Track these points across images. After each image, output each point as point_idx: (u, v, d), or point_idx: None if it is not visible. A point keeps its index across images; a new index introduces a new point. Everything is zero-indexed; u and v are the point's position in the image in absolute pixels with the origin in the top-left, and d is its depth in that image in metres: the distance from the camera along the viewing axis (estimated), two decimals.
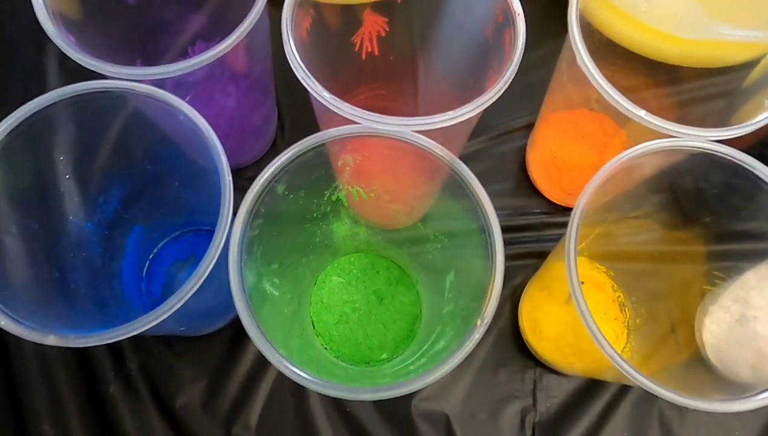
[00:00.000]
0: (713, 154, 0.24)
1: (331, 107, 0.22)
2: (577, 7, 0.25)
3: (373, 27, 0.30)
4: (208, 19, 0.34)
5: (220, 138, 0.22)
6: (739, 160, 0.23)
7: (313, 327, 0.33)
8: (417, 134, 0.22)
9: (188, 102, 0.24)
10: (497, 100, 0.37)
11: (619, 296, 0.35)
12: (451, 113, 0.22)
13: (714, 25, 0.34)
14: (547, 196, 0.38)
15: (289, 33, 0.22)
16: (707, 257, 0.37)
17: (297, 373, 0.19)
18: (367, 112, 0.22)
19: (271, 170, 0.22)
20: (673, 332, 0.34)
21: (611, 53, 0.36)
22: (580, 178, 0.38)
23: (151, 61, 0.34)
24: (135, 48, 0.32)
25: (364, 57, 0.31)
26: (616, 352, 0.21)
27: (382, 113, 0.37)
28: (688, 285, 0.33)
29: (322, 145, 0.23)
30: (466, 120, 0.22)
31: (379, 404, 0.32)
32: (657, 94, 0.37)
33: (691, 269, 0.34)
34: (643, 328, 0.34)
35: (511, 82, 0.23)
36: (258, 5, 0.25)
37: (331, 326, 0.33)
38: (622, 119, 0.38)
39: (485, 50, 0.27)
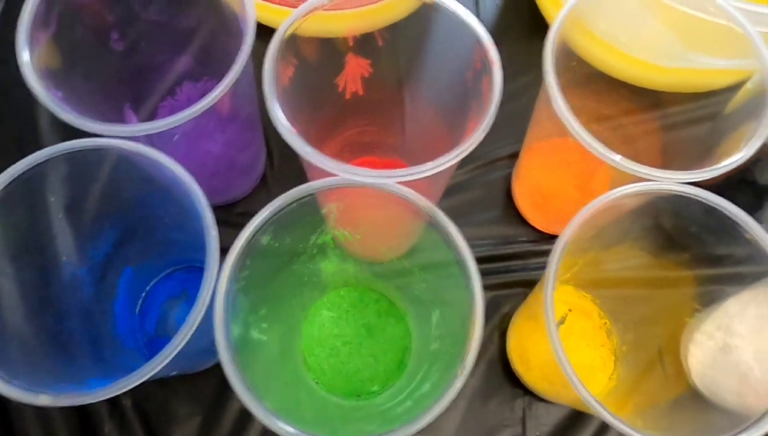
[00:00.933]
0: (687, 197, 0.24)
1: (316, 163, 0.22)
2: (552, 54, 0.26)
3: (356, 69, 0.30)
4: (194, 60, 0.35)
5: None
6: (712, 203, 0.24)
7: (305, 361, 0.34)
8: (398, 185, 0.23)
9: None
10: None
11: (606, 323, 0.36)
12: (430, 164, 0.23)
13: (693, 54, 0.34)
14: (533, 224, 0.39)
15: (273, 93, 0.23)
16: (693, 283, 0.38)
17: (282, 427, 0.19)
18: (350, 167, 0.22)
19: (254, 225, 0.22)
20: (661, 358, 0.34)
21: (595, 82, 0.36)
22: (565, 206, 0.39)
23: (140, 102, 0.35)
24: (123, 91, 0.33)
25: (348, 96, 0.32)
26: (590, 395, 0.22)
27: (370, 148, 0.38)
28: (674, 311, 0.34)
29: (306, 196, 0.23)
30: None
31: None
32: (642, 119, 0.38)
33: (678, 295, 0.34)
34: (630, 354, 0.35)
35: (498, 110, 0.24)
36: (241, 57, 0.26)
37: (322, 360, 0.34)
38: (611, 145, 0.39)
39: (466, 92, 0.28)
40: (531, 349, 0.35)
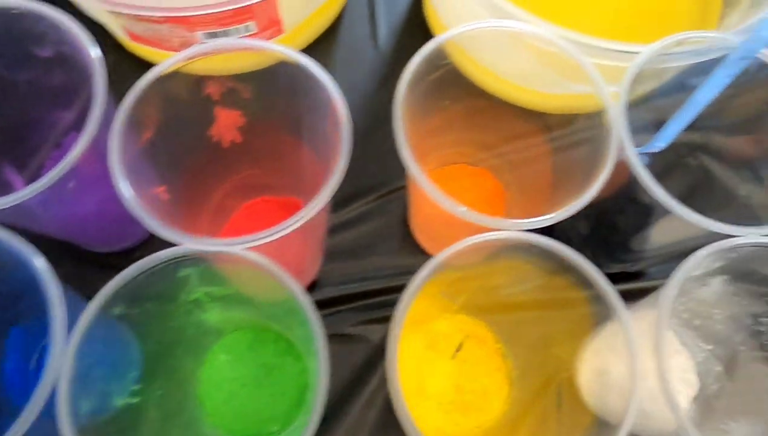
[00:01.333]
0: (528, 243, 0.25)
1: (158, 234, 0.23)
2: (403, 99, 0.26)
3: (227, 120, 0.31)
4: (77, 112, 0.35)
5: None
6: (547, 248, 0.25)
7: (203, 408, 0.34)
8: (247, 251, 0.23)
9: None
10: (383, 157, 0.38)
11: (500, 348, 0.37)
12: (274, 228, 0.23)
13: (568, 82, 0.35)
14: (432, 254, 0.39)
15: (119, 164, 0.23)
16: (587, 302, 0.39)
17: None
18: (191, 237, 0.23)
19: (97, 303, 0.22)
20: (553, 381, 0.35)
21: (481, 111, 0.37)
22: (461, 235, 0.39)
23: (22, 158, 0.34)
24: (3, 150, 0.33)
25: (227, 145, 0.32)
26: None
27: (265, 188, 0.38)
28: (571, 332, 0.35)
29: (157, 265, 0.23)
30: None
31: None
32: (530, 143, 0.38)
33: (574, 315, 0.35)
34: (523, 378, 0.36)
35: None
36: (94, 117, 0.26)
37: (220, 404, 0.34)
38: (499, 173, 0.40)
39: (327, 141, 0.28)
40: (428, 378, 0.36)
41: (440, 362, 0.36)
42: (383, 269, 0.39)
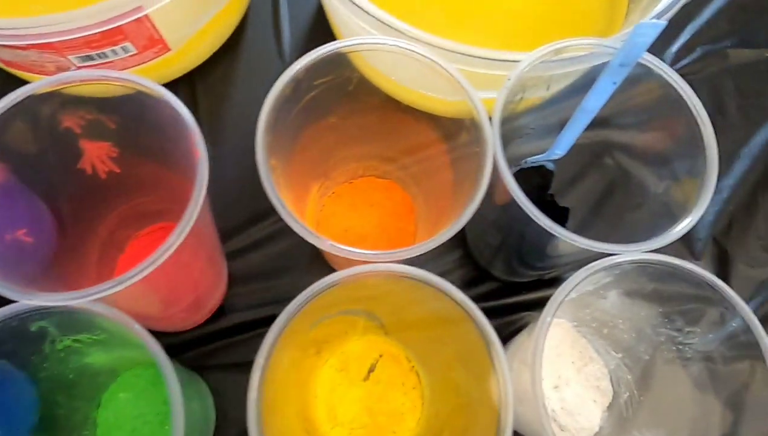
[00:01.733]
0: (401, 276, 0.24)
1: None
2: (268, 124, 0.25)
3: (97, 152, 0.29)
4: None
5: None
6: (425, 280, 0.24)
7: None
8: (93, 303, 0.22)
9: None
10: None
11: (414, 366, 0.36)
12: (95, 288, 0.21)
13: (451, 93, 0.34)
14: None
15: None
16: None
17: None
18: (37, 294, 0.21)
19: None
20: (466, 396, 0.34)
21: (380, 123, 0.35)
22: (373, 249, 0.38)
23: None
24: None
25: (104, 176, 0.30)
26: None
27: (159, 215, 0.36)
28: (458, 357, 0.33)
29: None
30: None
31: None
32: (433, 153, 0.37)
33: (460, 339, 0.34)
34: (436, 396, 0.35)
35: None
36: None
37: None
38: (406, 185, 0.39)
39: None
40: (340, 402, 0.35)
41: (352, 386, 0.35)
42: (294, 290, 0.37)
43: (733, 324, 0.24)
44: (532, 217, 0.24)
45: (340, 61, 0.27)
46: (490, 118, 0.26)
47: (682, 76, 0.45)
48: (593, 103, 0.29)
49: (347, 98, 0.30)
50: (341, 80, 0.28)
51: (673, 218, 0.41)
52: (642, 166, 0.36)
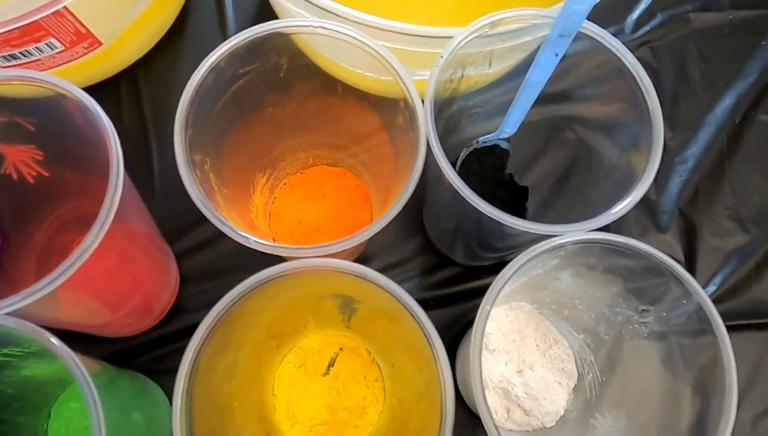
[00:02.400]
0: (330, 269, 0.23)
1: None
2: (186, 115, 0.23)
3: (20, 155, 0.28)
4: None
5: None
6: (352, 271, 0.23)
7: None
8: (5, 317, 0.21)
9: None
10: None
11: (374, 358, 0.35)
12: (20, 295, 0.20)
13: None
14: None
15: None
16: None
17: None
18: None
19: None
20: (416, 388, 0.33)
21: (340, 99, 0.34)
22: (328, 240, 0.37)
23: None
24: None
25: (32, 181, 0.29)
26: None
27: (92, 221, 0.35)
28: (404, 348, 0.32)
29: None
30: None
31: None
32: (380, 141, 0.36)
33: (403, 330, 0.33)
34: (396, 387, 0.34)
35: None
36: None
37: None
38: (359, 172, 0.37)
39: None
40: (298, 400, 0.34)
41: (311, 382, 0.34)
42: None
43: (684, 301, 0.23)
44: (467, 199, 0.23)
45: (263, 47, 0.25)
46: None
47: (644, 43, 0.44)
48: (537, 76, 0.28)
49: (280, 87, 0.28)
50: (269, 67, 0.27)
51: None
52: (603, 138, 0.35)
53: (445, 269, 0.37)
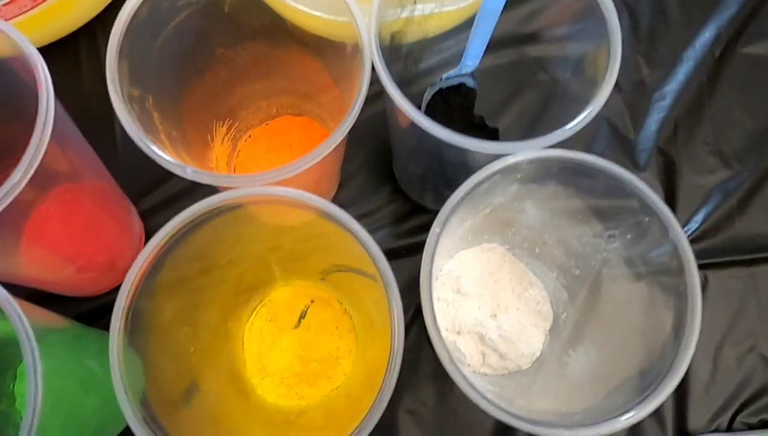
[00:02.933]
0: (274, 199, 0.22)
1: None
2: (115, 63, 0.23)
3: None
4: None
5: None
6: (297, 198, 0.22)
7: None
8: None
9: None
10: None
11: (346, 309, 0.34)
12: None
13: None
14: (267, 221, 0.36)
15: None
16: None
17: None
18: None
19: None
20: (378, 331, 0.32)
21: (295, 42, 0.33)
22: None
23: None
24: None
25: None
26: None
27: (58, 180, 0.34)
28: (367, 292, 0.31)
29: None
30: None
31: None
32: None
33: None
34: (367, 337, 0.33)
35: None
36: None
37: (44, 418, 0.31)
38: (323, 121, 0.36)
39: None
40: (269, 353, 0.33)
41: (282, 334, 0.34)
42: None
43: (647, 218, 0.22)
44: (416, 122, 0.22)
45: None
46: None
47: None
48: (492, 2, 0.27)
49: (227, 24, 0.27)
50: (211, 1, 0.25)
51: (612, 131, 0.39)
52: (575, 77, 0.34)
53: (416, 216, 0.36)
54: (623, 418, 0.20)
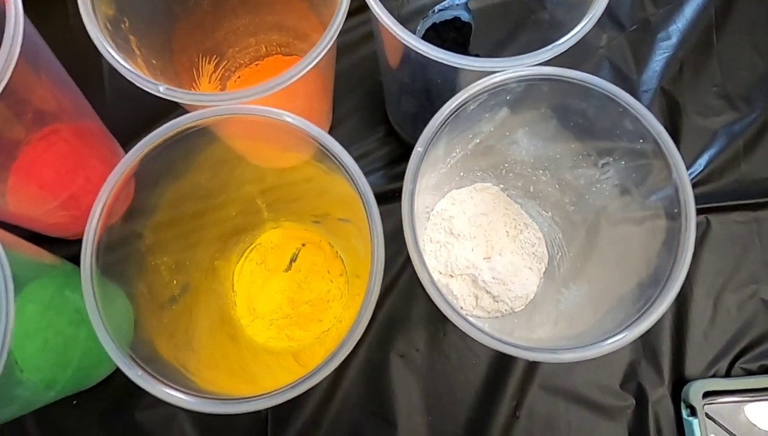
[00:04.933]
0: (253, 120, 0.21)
1: None
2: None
3: None
4: None
5: None
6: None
7: (15, 362, 0.31)
8: None
9: None
10: None
11: (338, 252, 0.33)
12: None
13: None
14: (255, 162, 0.36)
15: None
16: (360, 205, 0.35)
17: None
18: None
19: None
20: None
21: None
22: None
23: None
24: None
25: None
26: None
27: (45, 119, 0.33)
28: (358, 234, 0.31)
29: None
30: None
31: None
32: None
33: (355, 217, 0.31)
34: (359, 282, 0.32)
35: None
36: None
37: (34, 356, 0.31)
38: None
39: None
40: (259, 295, 0.33)
41: (272, 277, 0.33)
42: None
43: (641, 141, 0.21)
44: (405, 42, 0.21)
45: None
46: None
47: None
48: None
49: None
50: None
51: (614, 70, 0.38)
52: (576, 15, 0.33)
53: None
54: (608, 342, 0.19)
